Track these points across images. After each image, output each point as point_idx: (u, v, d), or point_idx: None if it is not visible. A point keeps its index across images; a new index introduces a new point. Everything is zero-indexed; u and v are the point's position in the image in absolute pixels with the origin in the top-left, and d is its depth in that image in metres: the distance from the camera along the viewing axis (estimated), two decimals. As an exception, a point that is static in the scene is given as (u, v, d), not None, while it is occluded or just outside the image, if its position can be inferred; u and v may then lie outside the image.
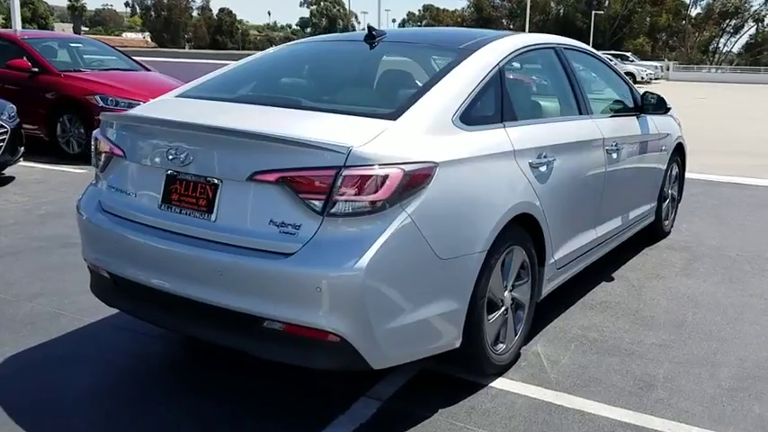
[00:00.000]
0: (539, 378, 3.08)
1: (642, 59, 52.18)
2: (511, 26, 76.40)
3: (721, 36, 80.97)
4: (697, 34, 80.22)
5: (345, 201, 2.38)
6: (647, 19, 76.33)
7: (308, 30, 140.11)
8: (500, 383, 3.02)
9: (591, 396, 2.93)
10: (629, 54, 50.27)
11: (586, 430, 2.68)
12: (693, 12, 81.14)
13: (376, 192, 2.39)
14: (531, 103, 3.66)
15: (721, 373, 3.18)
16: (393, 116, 2.66)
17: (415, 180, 2.48)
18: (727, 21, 78.19)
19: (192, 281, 2.59)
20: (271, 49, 3.88)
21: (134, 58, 10.05)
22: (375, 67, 3.43)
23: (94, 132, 3.11)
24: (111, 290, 3.00)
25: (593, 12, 64.77)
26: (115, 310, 3.64)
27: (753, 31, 79.55)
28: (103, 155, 2.98)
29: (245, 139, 2.51)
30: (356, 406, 2.81)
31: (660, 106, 4.60)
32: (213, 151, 2.59)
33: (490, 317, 2.94)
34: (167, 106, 3.15)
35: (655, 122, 4.77)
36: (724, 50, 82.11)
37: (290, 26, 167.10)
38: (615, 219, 4.27)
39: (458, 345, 2.77)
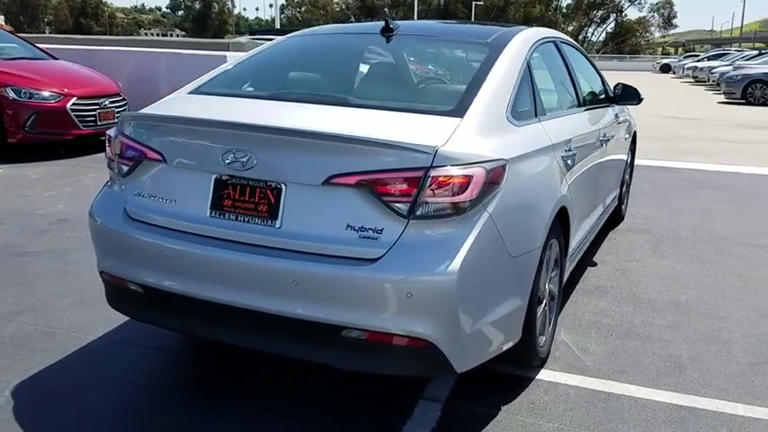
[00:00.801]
0: (578, 367, 3.15)
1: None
2: (394, 15, 77.11)
3: (590, 26, 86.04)
4: (567, 24, 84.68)
5: (431, 202, 2.30)
6: (522, 9, 79.64)
7: (180, 13, 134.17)
8: (546, 375, 3.06)
9: (634, 381, 3.03)
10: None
11: (647, 415, 2.76)
12: (564, 2, 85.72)
13: (463, 192, 2.32)
14: (549, 96, 3.70)
15: (735, 349, 3.38)
16: (457, 113, 2.59)
17: (494, 178, 2.44)
18: (595, 11, 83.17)
19: (257, 291, 2.41)
20: (281, 40, 3.63)
21: (38, 45, 9.23)
22: (406, 60, 3.33)
23: (110, 132, 2.83)
24: (141, 303, 2.75)
25: (474, 2, 66.74)
26: (112, 325, 3.39)
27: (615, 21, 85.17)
28: (129, 158, 2.70)
29: (321, 141, 2.35)
30: (419, 410, 2.75)
31: (632, 97, 4.78)
32: (280, 154, 2.41)
33: (538, 310, 2.96)
34: (205, 105, 2.89)
35: (621, 112, 4.99)
36: (593, 39, 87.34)
37: (159, 9, 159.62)
38: (600, 206, 4.44)
39: (518, 341, 2.78)
